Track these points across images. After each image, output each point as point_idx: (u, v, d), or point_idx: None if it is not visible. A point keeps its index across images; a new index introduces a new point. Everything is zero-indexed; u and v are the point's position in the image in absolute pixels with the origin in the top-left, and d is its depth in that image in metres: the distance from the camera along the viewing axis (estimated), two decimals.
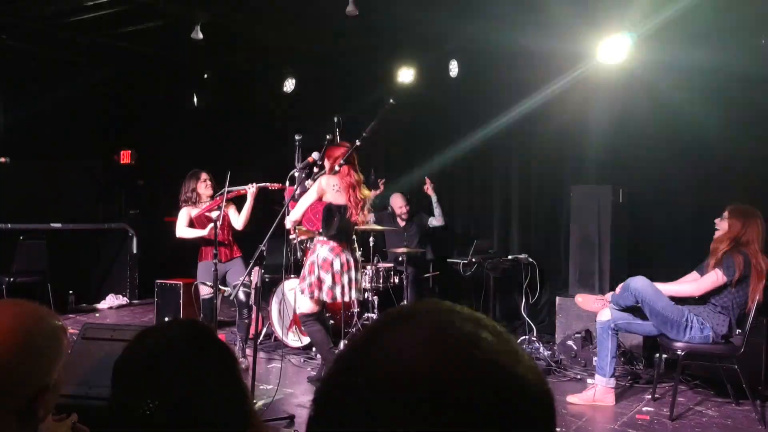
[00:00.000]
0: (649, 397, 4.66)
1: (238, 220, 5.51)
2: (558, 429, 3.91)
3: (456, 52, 6.83)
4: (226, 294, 5.32)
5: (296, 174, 4.73)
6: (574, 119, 6.81)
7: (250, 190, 5.33)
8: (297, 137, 4.94)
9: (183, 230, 5.52)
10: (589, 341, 5.49)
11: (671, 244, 6.10)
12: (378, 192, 6.97)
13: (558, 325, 5.94)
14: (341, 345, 5.64)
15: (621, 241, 6.05)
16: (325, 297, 4.55)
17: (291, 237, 5.81)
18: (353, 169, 4.60)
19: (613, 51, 5.97)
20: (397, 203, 6.88)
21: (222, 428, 1.07)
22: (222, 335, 6.22)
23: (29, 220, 7.46)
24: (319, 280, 4.52)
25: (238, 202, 5.58)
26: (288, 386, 4.84)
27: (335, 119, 5.62)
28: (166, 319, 6.48)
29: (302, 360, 5.61)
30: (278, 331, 5.99)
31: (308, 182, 4.63)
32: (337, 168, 4.51)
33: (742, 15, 5.74)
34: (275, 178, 5.45)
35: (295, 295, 5.06)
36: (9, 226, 7.19)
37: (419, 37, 7.15)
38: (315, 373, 5.05)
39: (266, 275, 6.06)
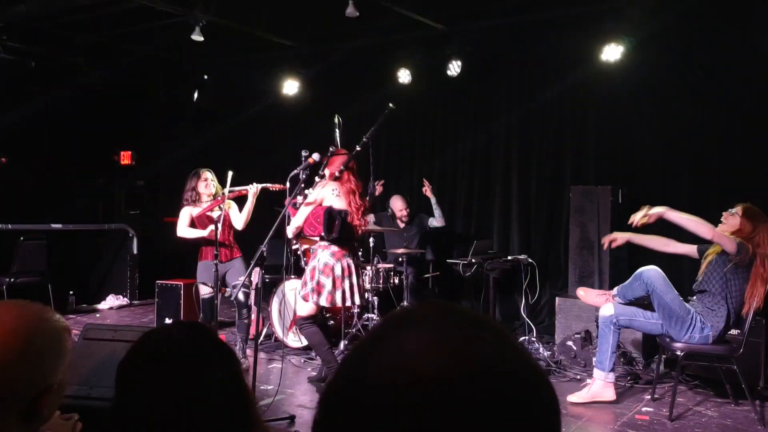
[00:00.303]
0: (649, 397, 4.67)
1: (239, 219, 5.51)
2: None
3: (456, 53, 6.82)
4: (226, 295, 5.32)
5: (299, 173, 4.72)
6: (574, 120, 6.82)
7: (252, 190, 5.33)
8: (304, 153, 4.92)
9: (184, 230, 5.51)
10: (588, 342, 5.50)
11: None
12: (377, 193, 6.97)
13: (558, 325, 5.94)
14: (341, 345, 5.66)
15: None
16: (324, 302, 4.55)
17: (294, 246, 5.83)
18: (353, 174, 4.62)
19: (613, 52, 5.97)
20: (398, 206, 6.88)
21: (225, 429, 1.08)
22: (222, 336, 6.22)
23: (29, 221, 7.45)
24: (319, 285, 4.52)
25: (239, 201, 5.57)
26: (288, 387, 4.84)
27: (335, 119, 5.62)
28: (168, 320, 6.50)
29: (302, 360, 5.61)
30: (278, 331, 5.99)
31: (308, 190, 4.64)
32: (337, 174, 4.54)
33: (742, 17, 5.75)
34: (275, 178, 5.45)
35: (296, 297, 5.06)
36: (9, 226, 7.18)
37: (420, 37, 7.15)
38: (315, 374, 5.05)
39: (266, 276, 6.06)
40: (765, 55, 5.48)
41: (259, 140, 8.67)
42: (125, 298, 8.38)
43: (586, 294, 4.83)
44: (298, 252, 6.01)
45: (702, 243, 4.44)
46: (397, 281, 6.22)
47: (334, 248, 4.55)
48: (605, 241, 4.68)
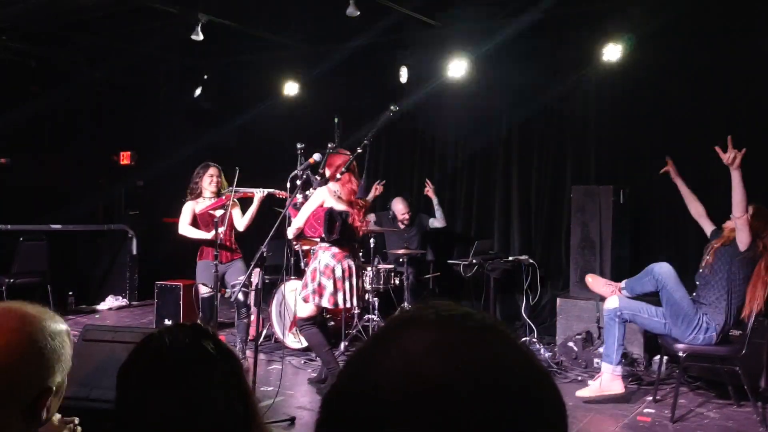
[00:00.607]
0: (651, 398, 4.66)
1: (241, 221, 5.48)
2: None
3: (457, 52, 6.81)
4: (226, 296, 5.30)
5: (298, 174, 4.72)
6: (575, 119, 6.81)
7: (258, 194, 5.29)
8: (299, 146, 4.91)
9: (186, 229, 5.46)
10: (590, 342, 5.49)
11: (672, 245, 6.10)
12: (376, 194, 6.96)
13: (559, 326, 5.93)
14: (341, 346, 5.65)
15: (622, 242, 6.05)
16: (326, 303, 4.54)
17: (295, 246, 5.82)
18: (354, 176, 4.61)
19: (614, 51, 5.96)
20: (399, 209, 6.86)
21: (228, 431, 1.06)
22: (222, 337, 6.21)
23: (29, 221, 7.44)
24: (321, 287, 4.51)
25: (242, 201, 5.54)
26: (288, 388, 4.83)
27: (335, 120, 5.61)
28: (167, 321, 6.48)
29: (302, 361, 5.60)
30: (278, 332, 5.98)
31: (309, 191, 4.63)
32: (338, 176, 4.52)
33: (743, 16, 5.75)
34: (275, 179, 5.43)
35: (296, 298, 5.05)
36: (9, 227, 7.17)
37: (420, 37, 7.14)
38: (315, 375, 5.04)
39: (266, 277, 6.04)
40: (766, 54, 5.47)
41: (259, 140, 8.66)
42: (125, 299, 8.36)
43: (594, 281, 4.83)
44: (298, 251, 6.00)
45: (718, 229, 4.47)
46: (397, 282, 6.21)
47: (335, 249, 4.54)
48: (669, 169, 4.82)
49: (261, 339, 5.93)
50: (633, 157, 6.51)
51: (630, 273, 5.02)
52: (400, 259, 6.41)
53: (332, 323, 5.98)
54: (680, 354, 4.30)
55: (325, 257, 4.54)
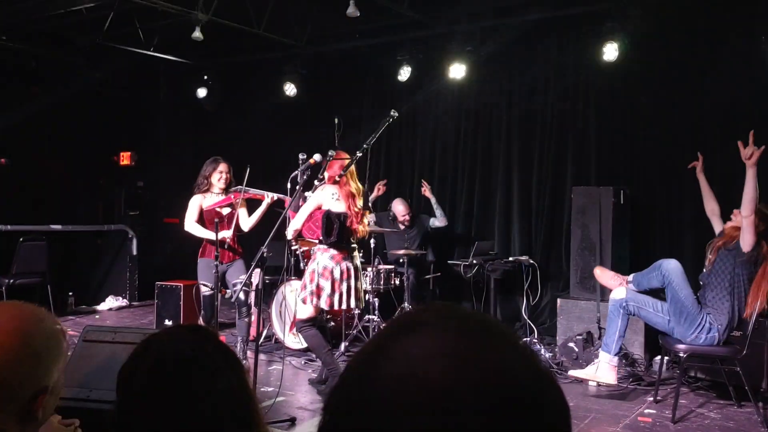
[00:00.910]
0: (651, 399, 4.65)
1: (247, 222, 5.44)
2: None
3: (457, 54, 6.81)
4: (226, 296, 5.28)
5: (297, 174, 4.72)
6: (575, 120, 6.81)
7: (267, 199, 5.26)
8: (301, 156, 4.89)
9: (192, 226, 5.36)
10: (590, 343, 5.48)
11: (673, 246, 6.09)
12: (379, 194, 6.96)
13: (559, 326, 5.92)
14: (341, 347, 5.64)
15: (622, 243, 6.04)
16: (324, 305, 4.55)
17: (294, 247, 5.80)
18: (352, 179, 4.61)
19: (613, 51, 5.96)
20: (400, 211, 6.85)
21: None
22: (222, 337, 6.20)
23: (29, 222, 7.43)
24: (319, 288, 4.52)
25: (249, 201, 5.50)
26: (289, 388, 4.82)
27: (335, 120, 5.61)
28: (167, 322, 6.48)
29: (303, 362, 5.59)
30: (279, 332, 5.98)
31: (308, 193, 4.63)
32: (337, 179, 4.53)
33: (742, 15, 5.74)
34: (275, 179, 5.42)
35: (296, 299, 5.05)
36: (9, 227, 7.17)
37: (420, 38, 7.14)
38: (316, 375, 5.03)
39: (266, 277, 6.04)
40: (765, 53, 5.47)
41: (259, 141, 8.65)
42: (125, 299, 8.36)
43: (602, 273, 4.84)
44: (297, 252, 5.99)
45: (700, 273, 4.50)
46: (397, 282, 6.20)
47: (333, 251, 4.54)
48: (697, 164, 4.81)
49: (261, 339, 5.92)
50: (633, 158, 6.51)
51: (630, 273, 5.02)
52: (401, 260, 6.41)
53: (332, 324, 5.98)
54: (681, 354, 4.30)
55: (324, 259, 4.54)
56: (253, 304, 5.25)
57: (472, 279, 6.41)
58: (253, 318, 5.27)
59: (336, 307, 4.61)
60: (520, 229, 7.12)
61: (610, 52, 5.96)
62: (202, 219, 5.39)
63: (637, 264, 5.94)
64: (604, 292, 5.66)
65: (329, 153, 4.56)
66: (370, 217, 6.35)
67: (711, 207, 4.71)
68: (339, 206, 4.53)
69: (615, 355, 4.49)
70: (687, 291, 4.29)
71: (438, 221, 7.05)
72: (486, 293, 6.39)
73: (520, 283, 6.56)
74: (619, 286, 4.61)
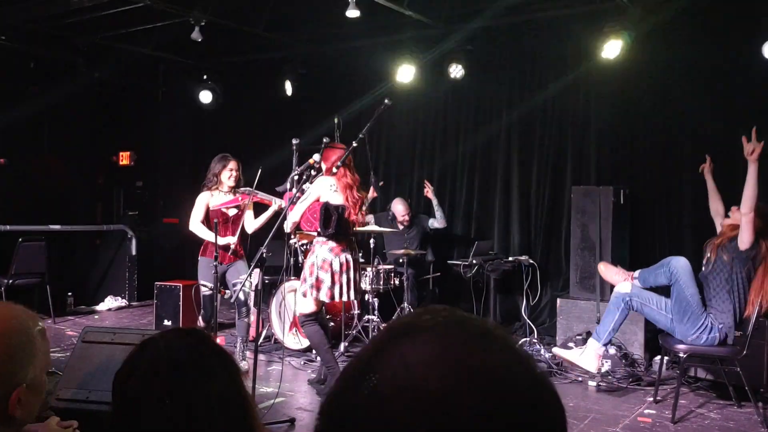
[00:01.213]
0: (651, 399, 4.64)
1: (251, 224, 5.40)
2: None
3: (456, 53, 6.81)
4: (226, 296, 5.27)
5: (295, 176, 4.71)
6: (575, 120, 6.80)
7: (274, 206, 5.21)
8: (294, 141, 4.90)
9: (196, 226, 5.29)
10: None
11: (672, 245, 6.08)
12: (373, 195, 6.93)
13: (559, 326, 5.92)
14: (341, 347, 5.64)
15: (622, 243, 6.04)
16: (324, 297, 4.53)
17: (292, 240, 5.78)
18: (350, 170, 4.60)
19: (613, 49, 5.94)
20: (399, 211, 6.84)
21: None
22: (222, 338, 6.20)
23: (28, 222, 7.42)
24: (318, 281, 4.50)
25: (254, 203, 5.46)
26: (288, 389, 4.82)
27: (335, 119, 5.60)
28: (166, 322, 6.47)
29: (302, 362, 5.59)
30: (278, 333, 5.97)
31: (306, 185, 4.61)
32: (334, 170, 4.51)
33: (743, 13, 5.74)
34: (274, 179, 5.39)
35: (295, 297, 5.05)
36: (8, 227, 7.16)
37: (420, 37, 7.13)
38: (315, 375, 5.03)
39: (266, 277, 6.03)
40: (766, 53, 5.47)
41: (259, 140, 8.64)
42: (124, 300, 8.35)
43: (606, 269, 4.83)
44: (296, 248, 5.97)
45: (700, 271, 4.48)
46: (397, 282, 6.20)
47: (332, 244, 4.53)
48: (705, 166, 4.84)
49: (261, 339, 5.92)
50: (633, 158, 6.50)
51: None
52: (400, 260, 6.40)
53: (332, 324, 5.97)
54: (681, 354, 4.30)
55: (323, 251, 4.53)
56: (252, 305, 5.24)
57: (472, 279, 6.41)
58: (253, 318, 5.26)
59: (336, 299, 4.59)
60: (519, 228, 7.12)
61: (611, 50, 5.95)
62: (208, 218, 5.31)
63: (637, 264, 5.94)
64: (604, 292, 5.67)
65: (324, 140, 4.55)
66: (369, 217, 6.35)
67: (715, 207, 4.71)
68: (337, 198, 4.52)
69: (603, 345, 4.49)
70: (693, 290, 4.27)
71: (437, 222, 7.04)
72: (486, 293, 6.39)
73: (520, 283, 6.55)
74: (624, 282, 4.60)
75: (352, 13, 5.78)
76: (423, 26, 6.91)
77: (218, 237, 5.11)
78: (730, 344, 4.25)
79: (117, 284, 8.44)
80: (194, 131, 9.13)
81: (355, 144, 4.53)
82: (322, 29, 7.49)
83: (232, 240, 5.25)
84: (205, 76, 8.32)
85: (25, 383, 1.29)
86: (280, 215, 4.42)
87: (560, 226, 6.82)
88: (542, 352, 5.51)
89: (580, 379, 5.09)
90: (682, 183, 6.14)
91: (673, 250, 5.95)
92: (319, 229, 4.50)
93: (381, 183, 7.00)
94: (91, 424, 1.81)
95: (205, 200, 5.32)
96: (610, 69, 6.17)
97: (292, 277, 6.00)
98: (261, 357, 5.44)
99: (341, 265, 4.52)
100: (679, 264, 4.35)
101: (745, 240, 4.11)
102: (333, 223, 4.43)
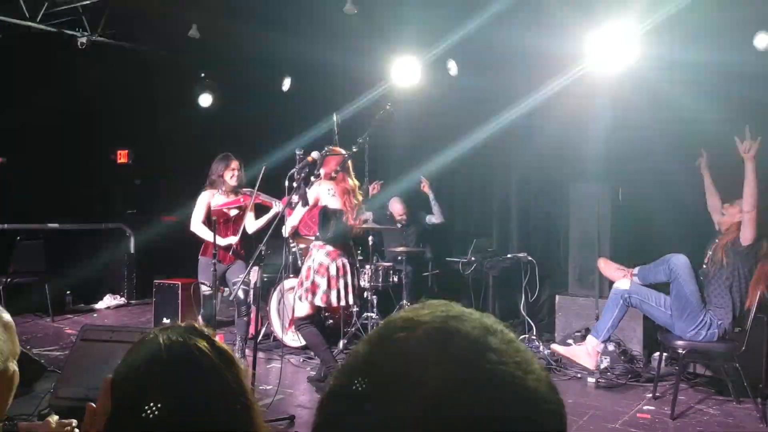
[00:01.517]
0: (650, 395, 4.65)
1: (252, 225, 5.38)
2: None
3: (455, 51, 6.80)
4: (225, 294, 5.27)
5: (295, 172, 4.70)
6: (573, 118, 6.79)
7: (275, 208, 5.19)
8: (298, 152, 4.87)
9: (198, 226, 5.25)
10: None
11: (671, 243, 6.06)
12: (374, 192, 6.93)
13: (557, 323, 5.93)
14: (340, 345, 5.64)
15: (620, 240, 6.04)
16: (319, 302, 4.53)
17: (291, 245, 5.79)
18: (348, 175, 4.60)
19: (611, 49, 5.94)
20: (397, 210, 6.84)
21: None
22: (221, 335, 6.20)
23: (26, 221, 7.42)
24: (314, 285, 4.51)
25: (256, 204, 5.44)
26: (287, 386, 4.82)
27: (334, 118, 5.59)
28: (165, 320, 6.46)
29: (302, 360, 5.59)
30: (277, 330, 5.97)
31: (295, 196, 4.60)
32: (333, 175, 4.51)
33: (742, 12, 5.73)
34: (274, 179, 5.37)
35: (294, 296, 5.05)
36: (6, 226, 7.16)
37: (418, 36, 7.12)
38: (315, 373, 5.03)
39: (265, 275, 6.03)
40: (765, 51, 5.47)
41: (257, 139, 8.63)
42: (123, 298, 8.35)
43: (605, 266, 4.84)
44: (295, 250, 5.98)
45: (700, 269, 4.49)
46: (396, 280, 6.20)
47: (329, 248, 4.53)
48: (701, 160, 4.84)
49: (260, 337, 5.92)
50: (631, 155, 6.50)
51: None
52: (399, 257, 6.40)
53: (331, 322, 5.97)
54: (680, 351, 4.30)
55: (320, 255, 4.54)
56: (251, 303, 5.24)
57: (471, 276, 6.41)
58: (252, 316, 5.27)
59: (334, 303, 4.59)
60: (518, 226, 7.12)
61: (609, 47, 5.93)
62: (209, 217, 5.28)
63: (636, 262, 5.95)
64: (603, 289, 5.67)
65: (325, 148, 4.55)
66: (367, 214, 6.34)
67: (713, 203, 4.72)
68: (335, 203, 4.52)
69: (602, 342, 4.50)
70: (693, 287, 4.28)
71: (435, 218, 7.04)
72: (484, 290, 6.40)
73: (519, 280, 6.56)
74: (623, 278, 4.61)
75: (350, 9, 5.77)
76: (421, 24, 6.89)
77: (220, 237, 5.12)
78: (729, 340, 4.26)
79: (116, 282, 8.44)
80: (192, 129, 9.10)
81: (355, 149, 4.53)
82: (320, 27, 7.46)
83: (233, 240, 5.24)
84: (202, 74, 8.31)
85: None
86: (280, 213, 4.42)
87: (559, 223, 6.82)
88: (541, 348, 5.51)
89: (579, 375, 5.10)
90: (680, 180, 6.14)
91: (671, 248, 5.94)
92: (317, 234, 4.50)
93: (381, 182, 7.00)
94: None
95: (207, 200, 5.30)
96: (609, 67, 6.15)
97: (291, 275, 6.00)
98: (260, 355, 5.44)
99: (338, 269, 4.53)
100: (679, 261, 4.36)
101: (747, 237, 4.13)
102: (332, 227, 4.44)
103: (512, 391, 0.57)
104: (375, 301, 6.01)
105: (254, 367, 4.08)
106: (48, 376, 4.46)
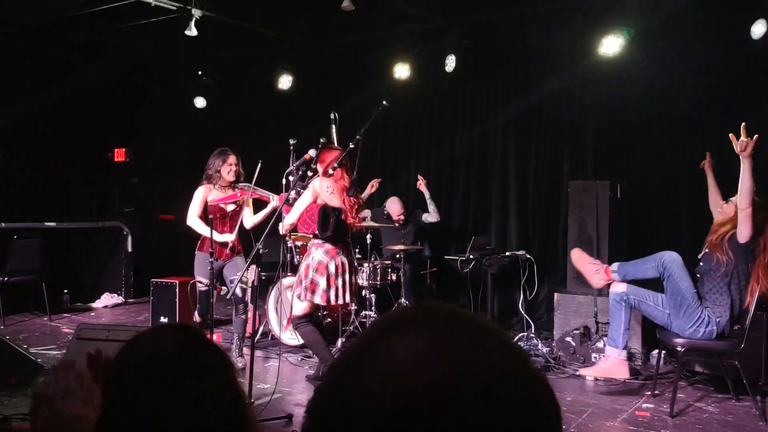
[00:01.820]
0: (649, 393, 4.64)
1: (250, 220, 5.35)
2: None
3: (453, 48, 6.78)
4: (222, 293, 5.24)
5: (292, 170, 4.68)
6: (572, 114, 6.79)
7: (273, 203, 5.16)
8: (291, 141, 4.86)
9: (194, 221, 5.19)
10: (587, 338, 5.48)
11: (669, 239, 6.08)
12: (372, 190, 6.91)
13: (556, 321, 5.92)
14: (338, 343, 5.62)
15: (619, 237, 6.04)
16: (319, 300, 4.51)
17: (288, 243, 5.77)
18: (346, 172, 4.56)
19: (612, 45, 5.92)
20: (395, 209, 6.81)
21: None
22: (218, 334, 6.18)
23: (23, 219, 7.39)
24: (313, 283, 4.49)
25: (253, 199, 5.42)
26: (285, 385, 4.80)
27: (332, 115, 5.57)
28: (163, 319, 6.45)
29: (299, 358, 5.58)
30: (275, 329, 5.95)
31: (293, 192, 4.58)
32: (330, 171, 4.48)
33: (743, 10, 5.72)
34: (271, 176, 5.36)
35: (293, 295, 5.03)
36: (3, 225, 7.13)
37: (416, 32, 7.11)
38: (313, 372, 5.02)
39: (263, 273, 6.00)
40: (764, 48, 5.46)
41: (254, 136, 8.61)
42: (120, 297, 8.32)
43: (579, 257, 4.81)
44: (290, 246, 5.95)
45: (696, 267, 4.48)
46: (394, 278, 6.19)
47: (328, 246, 4.51)
48: (705, 162, 4.81)
49: (258, 336, 5.90)
50: (630, 152, 6.50)
51: None
52: (397, 255, 6.39)
53: (329, 320, 5.96)
54: (679, 348, 4.29)
55: (318, 254, 4.52)
56: (249, 301, 5.22)
57: (469, 274, 6.39)
58: (249, 314, 5.25)
59: (333, 302, 4.58)
60: (516, 223, 7.11)
61: (609, 45, 5.92)
62: (205, 212, 5.23)
63: (634, 258, 5.94)
64: (602, 287, 5.66)
65: (321, 141, 4.51)
66: (366, 212, 6.33)
67: (715, 200, 4.72)
68: (334, 200, 4.49)
69: (624, 348, 4.48)
70: (687, 283, 4.27)
71: (430, 216, 7.02)
72: (483, 288, 6.38)
73: (517, 277, 6.54)
74: (596, 274, 4.59)
75: (348, 6, 5.74)
76: (419, 21, 6.88)
77: (218, 233, 5.09)
78: (728, 337, 4.25)
79: (113, 281, 8.41)
80: (189, 126, 9.08)
81: (352, 146, 4.50)
82: (318, 23, 7.45)
83: (230, 237, 5.21)
84: (199, 72, 8.29)
85: None
86: (277, 211, 4.40)
87: (557, 220, 6.81)
88: (539, 346, 5.50)
89: (578, 373, 5.09)
90: (679, 176, 6.14)
91: (670, 244, 5.94)
92: (316, 232, 4.47)
93: (379, 180, 6.98)
94: None
95: (203, 194, 5.25)
96: (608, 63, 6.14)
97: (289, 273, 5.99)
98: (258, 353, 5.42)
99: (337, 267, 4.51)
100: (672, 258, 4.35)
101: (744, 234, 4.12)
102: (331, 225, 4.41)
103: (506, 391, 0.56)
104: (373, 300, 5.99)
105: (252, 366, 4.06)
106: (45, 375, 4.45)
